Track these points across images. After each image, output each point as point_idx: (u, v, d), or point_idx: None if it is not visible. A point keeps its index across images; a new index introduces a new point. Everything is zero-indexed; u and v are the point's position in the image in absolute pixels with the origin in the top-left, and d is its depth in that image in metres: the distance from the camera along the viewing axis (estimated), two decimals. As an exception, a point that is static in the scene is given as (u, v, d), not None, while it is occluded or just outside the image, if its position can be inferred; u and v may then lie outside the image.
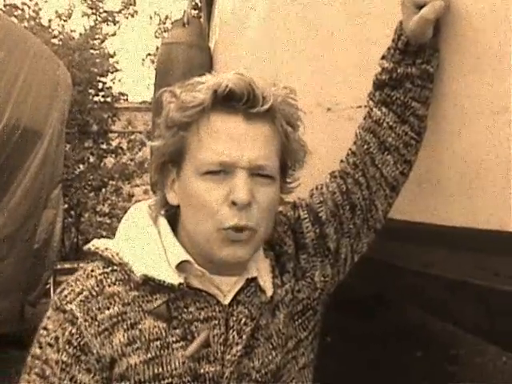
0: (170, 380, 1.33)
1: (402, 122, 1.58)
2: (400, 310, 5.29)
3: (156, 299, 1.36)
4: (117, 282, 1.37)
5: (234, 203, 1.28)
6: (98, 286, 1.37)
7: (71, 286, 1.39)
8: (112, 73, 12.76)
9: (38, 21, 12.38)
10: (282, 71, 2.40)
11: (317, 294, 1.54)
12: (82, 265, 1.50)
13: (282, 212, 1.57)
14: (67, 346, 1.33)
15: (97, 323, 1.33)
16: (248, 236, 1.32)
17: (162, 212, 1.46)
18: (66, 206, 10.42)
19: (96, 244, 1.44)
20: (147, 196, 11.63)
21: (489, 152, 1.59)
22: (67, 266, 9.88)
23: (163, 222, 1.44)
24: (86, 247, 1.45)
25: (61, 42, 12.11)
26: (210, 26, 4.62)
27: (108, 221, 12.21)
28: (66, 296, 1.37)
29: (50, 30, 12.36)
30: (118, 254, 1.38)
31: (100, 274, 1.39)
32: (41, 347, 1.36)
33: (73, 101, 8.41)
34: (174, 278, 1.34)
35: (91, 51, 12.47)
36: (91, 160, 11.97)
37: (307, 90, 2.11)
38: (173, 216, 1.45)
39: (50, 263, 6.75)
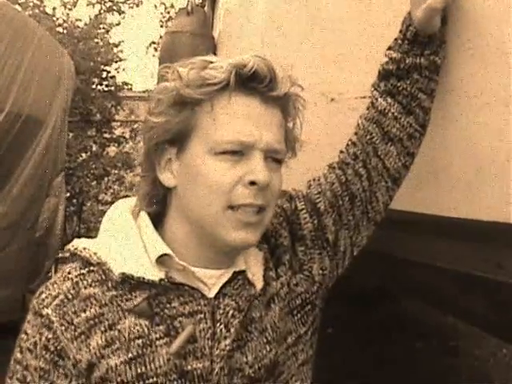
0: (154, 379, 1.29)
1: (408, 113, 1.57)
2: (401, 301, 5.30)
3: (136, 297, 1.31)
4: (93, 284, 1.33)
5: (252, 183, 1.26)
6: (73, 288, 1.33)
7: (49, 289, 1.35)
8: (116, 62, 12.77)
9: (42, 9, 12.36)
10: (286, 61, 2.39)
11: (315, 288, 1.51)
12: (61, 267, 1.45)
13: (278, 204, 1.52)
14: (44, 352, 1.30)
15: (73, 327, 1.30)
16: (260, 219, 1.31)
17: (144, 207, 1.42)
18: (68, 194, 10.43)
19: (75, 244, 1.39)
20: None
21: (490, 144, 1.59)
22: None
23: (144, 216, 1.40)
24: (66, 247, 1.40)
25: (65, 31, 12.10)
26: (215, 14, 4.61)
27: (110, 209, 12.20)
28: (43, 300, 1.34)
29: (54, 19, 12.33)
30: (95, 254, 1.34)
31: (76, 276, 1.34)
32: (21, 352, 1.34)
33: (76, 89, 8.39)
34: (154, 274, 1.31)
35: (96, 40, 12.46)
36: (94, 149, 11.95)
37: (311, 79, 2.11)
38: (155, 211, 1.42)
39: (51, 251, 6.73)
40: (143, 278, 1.29)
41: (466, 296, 2.32)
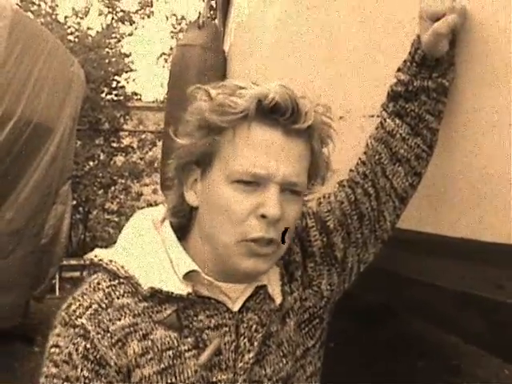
0: None
1: (415, 134, 1.58)
2: (404, 320, 5.28)
3: (165, 309, 1.34)
4: (125, 294, 1.35)
5: (263, 216, 1.27)
6: (106, 298, 1.34)
7: (78, 300, 1.35)
8: (126, 72, 12.77)
9: (54, 17, 12.39)
10: (295, 78, 2.41)
11: (323, 303, 1.54)
12: (84, 274, 1.46)
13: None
14: (85, 362, 1.30)
15: (109, 335, 1.31)
16: (272, 250, 1.32)
17: (169, 217, 1.44)
18: (75, 202, 10.39)
19: (99, 255, 1.40)
20: (156, 195, 11.68)
21: (493, 165, 1.59)
22: (73, 262, 9.92)
23: (168, 230, 1.42)
24: (87, 257, 1.41)
25: (77, 40, 12.13)
26: (226, 28, 4.63)
27: (116, 219, 12.20)
28: (74, 311, 1.33)
29: (65, 27, 12.37)
30: (123, 267, 1.36)
31: (107, 287, 1.36)
32: (56, 365, 1.32)
33: (85, 98, 8.40)
34: (181, 289, 1.33)
35: (107, 50, 12.48)
36: (101, 158, 11.92)
37: (319, 97, 2.11)
38: (180, 222, 1.44)
39: (56, 259, 6.73)
40: (171, 293, 1.31)
41: (467, 315, 2.32)
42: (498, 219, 1.60)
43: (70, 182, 6.99)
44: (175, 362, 1.32)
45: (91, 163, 11.68)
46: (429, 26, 1.50)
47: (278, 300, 1.44)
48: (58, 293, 8.74)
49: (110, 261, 1.37)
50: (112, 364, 1.30)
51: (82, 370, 1.29)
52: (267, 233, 1.28)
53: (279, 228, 1.30)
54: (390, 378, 4.49)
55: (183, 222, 1.43)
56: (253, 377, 1.38)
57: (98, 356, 1.29)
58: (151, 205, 10.87)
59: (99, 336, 1.30)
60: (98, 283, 1.37)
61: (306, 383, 1.49)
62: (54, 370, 1.31)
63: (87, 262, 1.41)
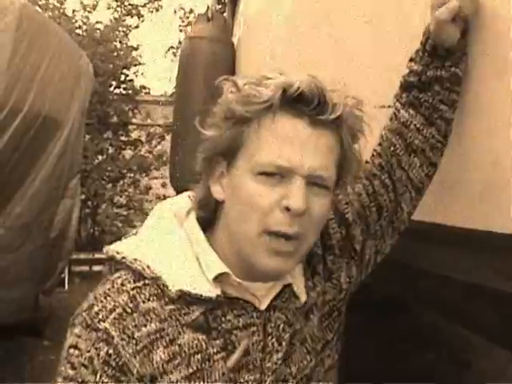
0: None
1: (430, 124, 1.57)
2: (415, 312, 5.27)
3: (193, 311, 1.29)
4: (151, 298, 1.30)
5: (287, 209, 1.23)
6: (131, 302, 1.29)
7: (101, 301, 1.30)
8: (135, 65, 12.81)
9: (62, 11, 12.43)
10: (305, 69, 2.40)
11: (342, 295, 1.52)
12: (102, 269, 1.42)
13: None
14: (106, 367, 1.25)
15: (134, 341, 1.26)
16: (294, 247, 1.28)
17: (196, 210, 1.40)
18: (84, 196, 10.47)
19: (122, 251, 1.35)
20: (165, 189, 11.71)
21: (505, 158, 1.58)
22: (82, 256, 9.99)
23: (194, 226, 1.38)
24: (107, 251, 1.36)
25: (85, 33, 12.16)
26: (234, 21, 4.62)
27: (125, 212, 12.25)
28: (97, 313, 1.28)
29: (73, 21, 12.41)
30: (148, 267, 1.30)
31: (132, 289, 1.30)
32: (74, 368, 1.27)
33: (94, 92, 8.43)
34: (210, 291, 1.29)
35: (115, 43, 12.51)
36: (110, 151, 11.97)
37: (329, 88, 2.11)
38: (205, 216, 1.40)
39: (65, 253, 6.80)
40: (200, 295, 1.28)
41: (478, 308, 2.31)
42: (509, 211, 1.59)
43: (79, 176, 7.03)
44: (204, 365, 1.29)
45: (100, 157, 11.71)
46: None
47: (303, 298, 1.41)
48: (66, 287, 8.78)
49: (135, 259, 1.32)
50: (134, 372, 1.26)
51: (101, 376, 1.25)
52: (290, 227, 1.25)
53: (304, 223, 1.26)
54: (401, 371, 4.49)
55: (208, 216, 1.40)
56: (278, 376, 1.35)
57: (120, 363, 1.25)
58: (160, 198, 10.93)
59: (123, 342, 1.26)
60: (122, 284, 1.31)
61: (324, 376, 1.47)
62: (70, 372, 1.27)
63: (108, 257, 1.36)
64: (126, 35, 13.10)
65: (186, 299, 1.28)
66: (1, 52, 4.88)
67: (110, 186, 11.91)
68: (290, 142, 1.23)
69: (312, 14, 2.40)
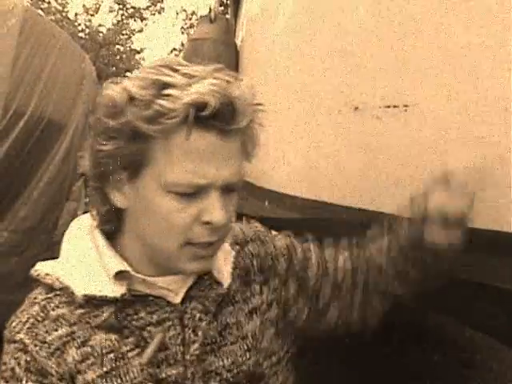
0: None
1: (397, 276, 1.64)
2: (419, 312, 5.27)
3: (103, 312, 1.31)
4: (60, 305, 1.33)
5: (208, 223, 1.23)
6: (42, 311, 1.33)
7: (18, 317, 1.35)
8: (138, 69, 12.83)
9: (64, 14, 12.46)
10: (310, 70, 2.39)
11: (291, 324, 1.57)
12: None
13: (289, 236, 1.63)
14: (28, 374, 1.29)
15: (47, 345, 1.29)
16: (214, 249, 1.31)
17: (100, 224, 1.39)
18: (87, 199, 10.48)
19: (38, 270, 1.38)
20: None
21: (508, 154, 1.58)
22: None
23: (97, 234, 1.38)
24: (30, 272, 1.40)
25: (87, 37, 12.19)
26: (237, 22, 4.62)
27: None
28: (14, 327, 1.33)
29: (76, 24, 12.43)
30: (58, 279, 1.33)
31: (43, 300, 1.34)
32: (7, 381, 1.31)
33: (97, 95, 8.45)
34: (115, 291, 1.30)
35: (118, 46, 12.53)
36: None
37: (335, 88, 2.10)
38: (112, 225, 1.38)
39: None
40: (106, 296, 1.28)
41: (483, 307, 2.31)
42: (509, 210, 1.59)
43: (83, 179, 7.02)
44: (118, 363, 1.30)
45: None
46: (438, 224, 1.52)
47: (226, 283, 1.41)
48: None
49: (47, 274, 1.35)
50: (53, 372, 1.29)
51: (27, 381, 1.28)
52: (211, 237, 1.25)
53: (222, 231, 1.28)
54: (405, 371, 4.48)
55: (113, 226, 1.37)
56: (207, 367, 1.35)
57: (39, 367, 1.28)
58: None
59: (37, 348, 1.29)
60: (35, 298, 1.36)
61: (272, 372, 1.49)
62: None
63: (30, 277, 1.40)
64: (130, 38, 13.11)
65: (93, 303, 1.29)
66: (4, 56, 4.88)
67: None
68: (204, 158, 1.19)
69: (315, 14, 2.39)
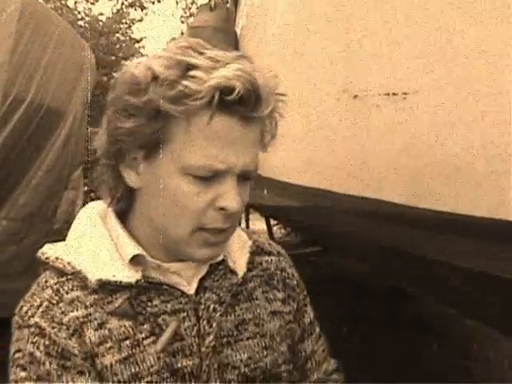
0: (149, 378, 1.26)
1: None
2: (420, 301, 5.28)
3: (117, 299, 1.28)
4: (74, 288, 1.28)
5: (222, 209, 1.22)
6: (56, 295, 1.28)
7: (28, 301, 1.30)
8: (137, 57, 12.83)
9: (64, 2, 12.45)
10: (309, 58, 2.39)
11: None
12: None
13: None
14: (49, 358, 1.25)
15: (65, 327, 1.25)
16: (226, 236, 1.29)
17: (112, 204, 1.36)
18: (86, 188, 10.47)
19: (46, 253, 1.34)
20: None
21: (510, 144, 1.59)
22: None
23: (111, 216, 1.35)
24: (37, 254, 1.35)
25: (87, 25, 12.19)
26: (237, 10, 4.62)
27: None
28: (26, 312, 1.28)
29: (76, 12, 12.43)
30: (69, 263, 1.30)
31: (55, 284, 1.29)
32: (24, 369, 1.26)
33: (97, 83, 8.39)
34: (129, 276, 1.27)
35: (117, 35, 12.53)
36: None
37: (334, 76, 2.10)
38: (122, 207, 1.36)
39: None
40: (120, 282, 1.26)
41: (484, 297, 2.31)
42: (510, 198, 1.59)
43: (82, 168, 7.02)
44: (134, 350, 1.27)
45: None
46: None
47: (241, 272, 1.39)
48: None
49: (57, 258, 1.32)
50: (76, 352, 1.25)
51: (50, 364, 1.25)
52: (224, 223, 1.24)
53: (235, 218, 1.27)
54: (405, 361, 4.50)
55: (124, 206, 1.36)
56: (223, 359, 1.34)
57: (59, 350, 1.25)
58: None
59: (55, 330, 1.25)
60: (46, 281, 1.31)
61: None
62: (22, 374, 1.26)
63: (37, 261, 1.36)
64: (130, 27, 13.11)
65: (107, 288, 1.27)
66: (3, 43, 4.88)
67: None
68: (225, 143, 1.18)
69: (313, 2, 2.39)
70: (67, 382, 1.24)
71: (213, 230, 1.24)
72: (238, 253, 1.42)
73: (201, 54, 1.19)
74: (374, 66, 1.97)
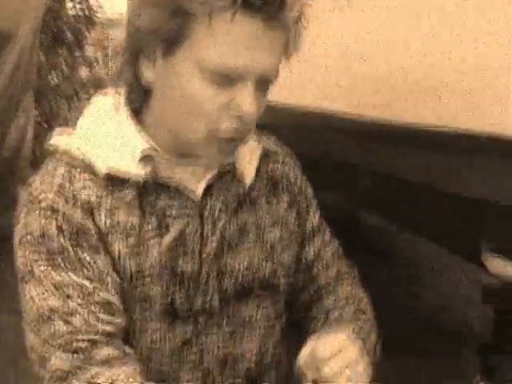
0: (149, 279, 1.27)
1: None
2: (361, 216, 5.20)
3: (125, 195, 1.27)
4: (84, 176, 1.28)
5: (238, 114, 1.19)
6: (68, 181, 1.27)
7: (38, 187, 1.28)
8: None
9: None
10: (316, 39, 2.16)
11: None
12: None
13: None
14: (61, 234, 1.23)
15: (80, 204, 1.25)
16: (238, 144, 1.27)
17: (127, 99, 1.34)
18: (38, 114, 9.72)
19: (55, 145, 1.34)
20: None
21: (492, 55, 1.63)
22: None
23: (124, 110, 1.33)
24: (46, 145, 1.34)
25: None
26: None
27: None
28: (38, 193, 1.26)
29: None
30: (79, 156, 1.29)
31: (66, 172, 1.29)
32: (32, 244, 1.24)
33: (48, 9, 7.89)
34: (139, 168, 1.25)
35: None
36: (64, 70, 11.38)
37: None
38: (136, 105, 1.35)
39: (20, 172, 6.43)
40: (128, 173, 1.24)
41: (427, 210, 2.30)
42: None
43: (33, 95, 6.73)
44: (140, 247, 1.27)
45: (55, 77, 11.25)
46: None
47: (248, 181, 1.38)
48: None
49: (65, 150, 1.30)
50: (91, 227, 1.25)
51: (64, 238, 1.23)
52: (238, 132, 1.22)
53: (250, 125, 1.24)
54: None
55: (138, 106, 1.35)
56: (223, 267, 1.34)
57: (74, 228, 1.23)
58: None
59: (69, 205, 1.24)
60: (55, 169, 1.30)
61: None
62: (32, 248, 1.24)
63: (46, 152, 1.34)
64: None
65: (116, 183, 1.25)
66: None
67: (65, 106, 11.39)
68: (246, 44, 1.15)
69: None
70: (80, 255, 1.22)
71: (227, 140, 1.21)
72: (247, 160, 1.37)
73: None
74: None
